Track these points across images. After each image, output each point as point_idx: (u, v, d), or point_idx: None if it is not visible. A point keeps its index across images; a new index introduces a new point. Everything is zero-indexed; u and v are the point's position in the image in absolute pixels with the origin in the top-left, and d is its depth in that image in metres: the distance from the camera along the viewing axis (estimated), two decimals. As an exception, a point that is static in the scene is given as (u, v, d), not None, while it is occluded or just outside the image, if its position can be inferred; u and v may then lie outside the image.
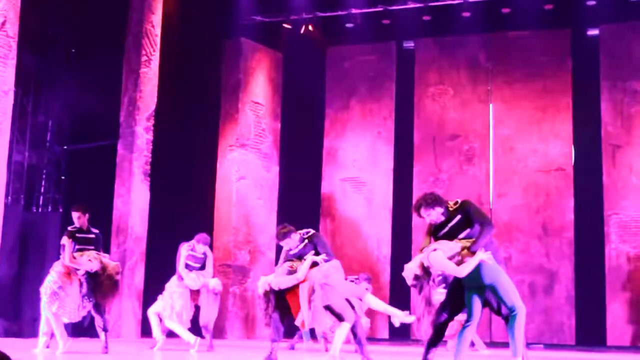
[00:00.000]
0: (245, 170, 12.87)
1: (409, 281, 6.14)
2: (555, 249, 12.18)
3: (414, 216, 6.11)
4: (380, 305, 7.50)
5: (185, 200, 12.48)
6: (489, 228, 6.03)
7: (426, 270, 5.99)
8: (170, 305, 8.95)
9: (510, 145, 12.62)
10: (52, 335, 8.05)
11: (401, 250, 12.81)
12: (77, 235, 8.01)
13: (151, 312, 9.15)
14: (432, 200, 6.13)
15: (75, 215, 8.11)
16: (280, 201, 13.38)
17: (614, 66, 12.28)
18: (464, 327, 5.93)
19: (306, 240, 7.39)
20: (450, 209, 6.14)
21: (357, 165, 13.33)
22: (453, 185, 12.53)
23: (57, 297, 7.87)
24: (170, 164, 12.37)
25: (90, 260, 7.91)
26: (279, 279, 7.26)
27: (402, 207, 12.87)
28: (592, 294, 12.03)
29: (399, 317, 7.22)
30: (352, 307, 7.25)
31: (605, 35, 12.42)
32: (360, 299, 7.49)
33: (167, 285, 9.14)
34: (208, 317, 9.07)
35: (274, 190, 13.34)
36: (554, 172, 12.31)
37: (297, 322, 7.25)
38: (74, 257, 7.87)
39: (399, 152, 13.24)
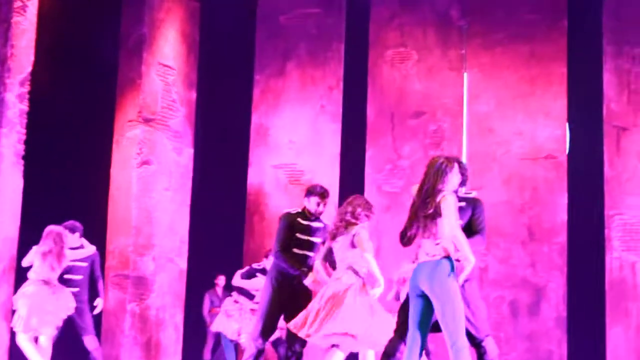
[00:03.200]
0: (150, 152, 12.50)
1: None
2: (543, 257, 11.97)
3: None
4: None
5: (70, 190, 12.20)
6: (482, 240, 6.58)
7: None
8: (18, 315, 8.89)
9: (488, 125, 12.35)
10: None
11: (350, 257, 12.67)
12: None
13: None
14: (465, 170, 6.53)
15: None
16: (195, 193, 13.08)
17: (621, 28, 11.95)
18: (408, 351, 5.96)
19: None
20: (461, 194, 6.52)
21: (295, 149, 13.06)
22: (416, 176, 11.53)
23: None
24: (51, 143, 12.06)
25: None
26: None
27: (352, 203, 12.78)
28: (589, 315, 11.88)
29: None
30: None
31: (610, -11, 12.17)
32: None
33: None
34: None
35: (186, 178, 12.97)
36: (544, 160, 12.12)
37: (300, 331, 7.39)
38: None
39: (348, 132, 12.94)
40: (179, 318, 12.74)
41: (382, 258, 11.77)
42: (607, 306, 11.66)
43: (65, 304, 9.05)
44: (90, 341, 9.69)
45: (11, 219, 10.96)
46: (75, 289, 10.13)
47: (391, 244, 10.49)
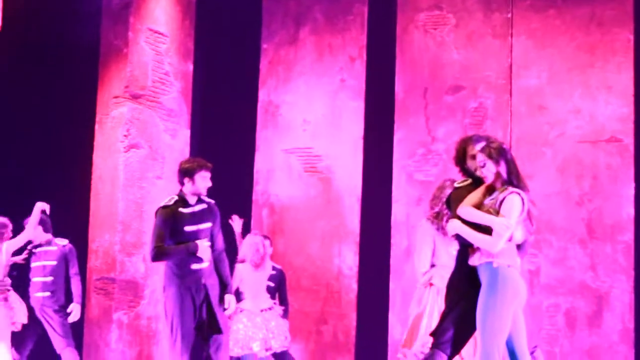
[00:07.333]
0: (139, 134, 12.41)
1: None
2: (605, 259, 11.86)
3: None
4: None
5: (45, 179, 12.27)
6: None
7: None
8: None
9: (540, 102, 12.22)
10: None
11: (374, 258, 12.55)
12: None
13: None
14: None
15: None
16: (193, 182, 13.06)
17: (699, -17, 11.68)
18: None
19: None
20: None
21: (310, 130, 12.97)
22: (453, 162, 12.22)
23: None
24: (22, 124, 12.22)
25: None
26: None
27: (377, 193, 12.65)
28: (662, 326, 11.66)
29: None
30: None
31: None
32: None
33: None
34: None
35: (182, 165, 12.96)
36: (606, 143, 12.02)
37: None
38: None
39: (373, 110, 12.86)
40: (173, 329, 12.64)
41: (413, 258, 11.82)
42: (683, 316, 11.66)
43: (8, 316, 8.93)
44: (68, 355, 9.59)
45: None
46: (46, 294, 10.01)
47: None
